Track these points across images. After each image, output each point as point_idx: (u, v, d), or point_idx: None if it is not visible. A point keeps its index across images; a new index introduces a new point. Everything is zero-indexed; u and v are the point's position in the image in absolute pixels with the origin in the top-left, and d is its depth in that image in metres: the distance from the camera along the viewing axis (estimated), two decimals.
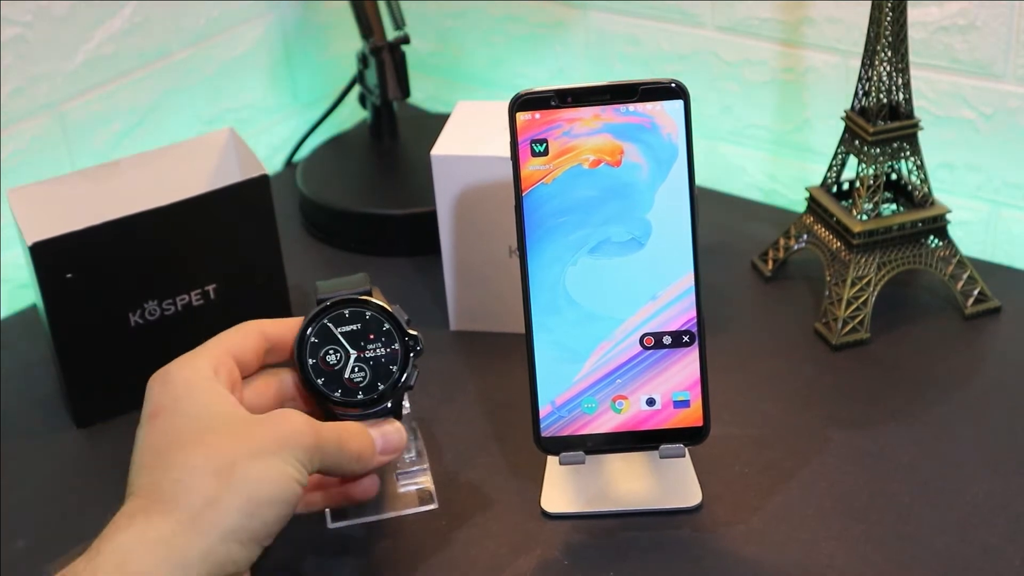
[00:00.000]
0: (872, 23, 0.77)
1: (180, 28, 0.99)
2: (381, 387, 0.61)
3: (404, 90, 0.95)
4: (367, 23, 0.95)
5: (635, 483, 0.67)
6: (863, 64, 0.79)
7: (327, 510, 0.66)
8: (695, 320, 0.63)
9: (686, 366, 0.64)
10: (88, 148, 0.95)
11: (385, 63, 0.94)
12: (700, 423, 0.64)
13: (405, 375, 0.61)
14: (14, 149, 0.90)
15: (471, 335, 0.82)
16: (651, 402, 0.64)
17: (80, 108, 0.94)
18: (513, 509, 0.67)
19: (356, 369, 0.61)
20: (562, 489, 0.67)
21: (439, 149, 0.78)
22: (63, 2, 0.90)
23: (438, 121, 0.92)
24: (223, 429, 0.55)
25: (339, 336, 0.61)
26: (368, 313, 0.62)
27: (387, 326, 0.62)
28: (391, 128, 1.00)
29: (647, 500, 0.66)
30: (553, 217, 0.63)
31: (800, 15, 0.92)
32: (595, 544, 0.65)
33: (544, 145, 0.63)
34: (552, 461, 0.68)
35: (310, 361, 0.61)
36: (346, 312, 0.61)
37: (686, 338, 0.64)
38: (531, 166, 0.63)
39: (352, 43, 1.01)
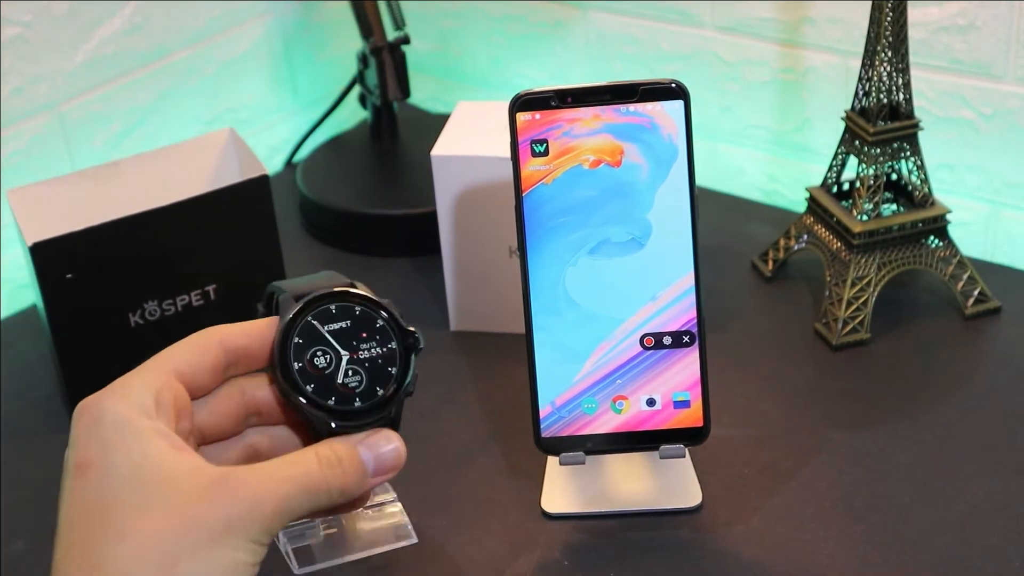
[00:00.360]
0: (872, 23, 0.77)
1: (180, 28, 0.99)
2: (381, 392, 0.52)
3: (404, 90, 0.95)
4: (367, 23, 0.95)
5: (635, 483, 0.67)
6: (863, 64, 0.79)
7: (290, 552, 0.59)
8: (695, 320, 0.63)
9: (686, 366, 0.64)
10: (88, 148, 0.95)
11: (385, 63, 0.94)
12: (700, 423, 0.64)
13: (408, 377, 0.52)
14: (14, 149, 0.90)
15: (471, 335, 0.82)
16: (651, 402, 0.64)
17: (80, 108, 0.94)
18: (513, 509, 0.67)
19: (350, 372, 0.52)
20: (562, 489, 0.67)
21: (439, 149, 0.78)
22: (63, 2, 0.90)
23: (438, 121, 0.92)
24: (163, 505, 0.46)
25: (327, 335, 0.52)
26: (357, 308, 0.53)
27: (380, 323, 0.53)
28: (391, 128, 1.00)
29: (647, 501, 0.66)
30: (553, 217, 0.63)
31: (800, 15, 0.92)
32: (595, 544, 0.65)
33: (544, 145, 0.63)
34: (552, 461, 0.68)
35: (296, 365, 0.51)
36: (332, 307, 0.52)
37: (686, 338, 0.64)
38: (531, 166, 0.63)
39: (352, 43, 1.01)
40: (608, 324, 0.63)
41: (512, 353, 0.74)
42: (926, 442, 0.70)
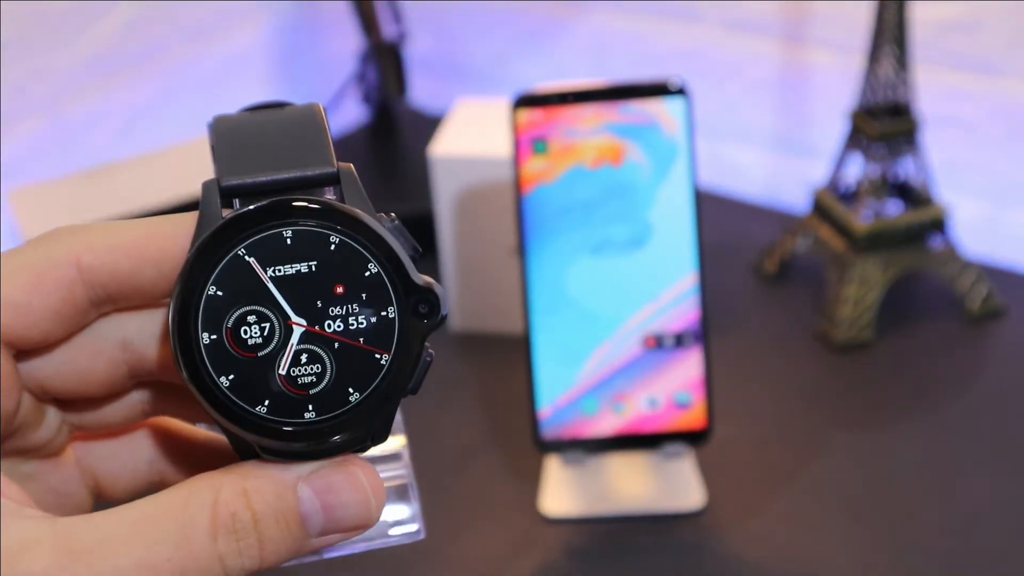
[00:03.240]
0: (876, 21, 0.77)
1: (179, 27, 0.99)
2: (354, 395, 0.31)
3: (403, 89, 0.95)
4: (367, 22, 0.94)
5: (637, 485, 0.67)
6: (867, 62, 0.78)
7: None
8: (698, 320, 0.63)
9: (689, 367, 0.63)
10: (88, 148, 0.95)
11: (385, 62, 0.94)
12: (703, 424, 0.64)
13: (410, 372, 0.32)
14: (14, 149, 0.90)
15: (471, 335, 0.82)
16: (653, 403, 0.64)
17: (80, 108, 0.93)
18: (513, 511, 0.67)
19: (305, 357, 0.30)
20: (562, 491, 0.67)
21: (439, 149, 0.78)
22: (62, 1, 0.90)
23: (437, 120, 0.92)
24: None
25: (270, 286, 0.30)
26: (335, 239, 0.30)
27: (374, 267, 0.31)
28: (390, 127, 1.00)
29: (649, 502, 0.66)
30: (554, 217, 0.62)
31: (803, 13, 0.92)
32: (596, 546, 0.64)
33: (545, 144, 0.62)
34: (552, 463, 0.68)
35: (205, 337, 0.30)
36: (287, 233, 0.30)
37: (689, 339, 0.63)
38: (532, 165, 0.62)
39: (351, 42, 1.00)
40: (609, 324, 0.63)
41: (512, 353, 0.73)
42: (930, 443, 0.70)
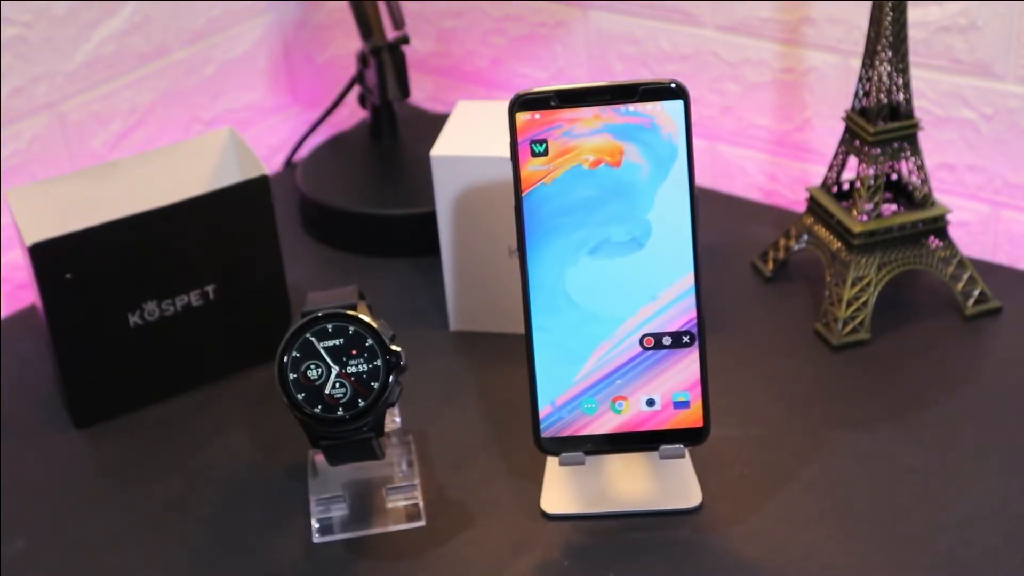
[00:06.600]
0: (872, 23, 0.77)
1: (180, 28, 0.99)
2: (362, 404, 0.61)
3: (404, 90, 0.95)
4: (367, 23, 0.95)
5: (635, 484, 0.67)
6: (863, 64, 0.79)
7: (314, 523, 0.66)
8: (695, 320, 0.63)
9: (686, 366, 0.64)
10: (88, 148, 0.95)
11: (385, 63, 0.94)
12: (700, 424, 0.64)
13: (386, 392, 0.61)
14: (14, 149, 0.90)
15: (471, 335, 0.82)
16: (651, 403, 0.64)
17: (79, 108, 0.94)
18: (513, 510, 0.67)
19: (337, 385, 0.61)
20: (562, 490, 0.67)
21: (439, 149, 0.78)
22: (63, 2, 0.90)
23: (438, 121, 0.92)
24: None
25: (321, 351, 0.61)
26: (351, 328, 0.61)
27: (370, 342, 0.61)
28: (391, 128, 1.00)
29: (647, 501, 0.66)
30: (553, 217, 0.63)
31: (800, 15, 0.92)
32: (595, 545, 0.65)
33: (544, 145, 0.63)
34: (552, 462, 0.68)
35: (291, 376, 0.61)
36: (329, 327, 0.61)
37: (686, 338, 0.64)
38: (531, 166, 0.63)
39: (352, 43, 1.01)
40: (608, 324, 0.63)
41: (512, 353, 0.74)
42: (926, 442, 0.70)
